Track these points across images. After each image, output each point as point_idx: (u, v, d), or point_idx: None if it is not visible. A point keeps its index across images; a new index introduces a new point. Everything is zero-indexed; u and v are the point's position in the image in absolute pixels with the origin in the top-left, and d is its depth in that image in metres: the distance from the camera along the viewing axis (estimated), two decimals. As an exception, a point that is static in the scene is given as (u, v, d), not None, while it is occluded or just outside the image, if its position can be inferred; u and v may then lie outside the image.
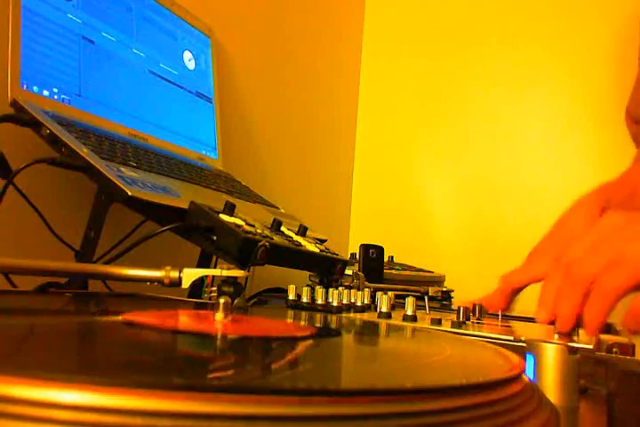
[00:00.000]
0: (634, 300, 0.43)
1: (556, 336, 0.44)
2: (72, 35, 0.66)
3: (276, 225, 0.63)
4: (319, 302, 0.55)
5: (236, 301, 0.44)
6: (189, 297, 0.54)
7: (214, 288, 0.46)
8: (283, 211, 0.83)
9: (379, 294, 0.58)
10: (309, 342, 0.31)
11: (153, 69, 0.78)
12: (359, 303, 0.58)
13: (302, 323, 0.42)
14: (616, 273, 0.43)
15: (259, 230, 0.56)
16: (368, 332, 0.41)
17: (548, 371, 0.28)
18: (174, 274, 0.40)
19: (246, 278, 0.64)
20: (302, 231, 0.68)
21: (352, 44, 1.49)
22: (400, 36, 1.48)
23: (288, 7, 1.18)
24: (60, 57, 0.64)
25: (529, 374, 0.28)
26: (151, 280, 0.40)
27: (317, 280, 0.68)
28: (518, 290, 0.57)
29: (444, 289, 0.85)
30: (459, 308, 0.51)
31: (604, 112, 1.22)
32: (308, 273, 0.69)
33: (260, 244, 0.52)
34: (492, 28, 1.36)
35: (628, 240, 0.45)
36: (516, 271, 0.58)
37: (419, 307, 0.54)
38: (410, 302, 0.51)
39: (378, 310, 0.54)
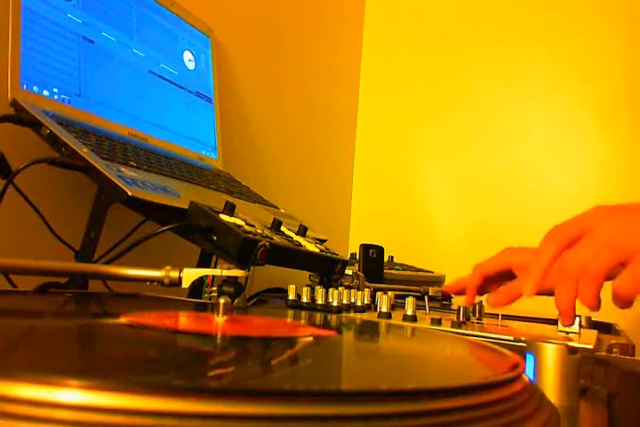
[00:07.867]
0: (615, 281, 0.44)
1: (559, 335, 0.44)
2: (72, 35, 0.66)
3: (276, 225, 0.63)
4: (319, 301, 0.55)
5: (236, 301, 0.44)
6: (189, 297, 0.54)
7: (214, 288, 0.46)
8: (283, 211, 0.82)
9: (379, 294, 0.59)
10: (309, 342, 0.31)
11: (153, 69, 0.78)
12: (359, 303, 0.58)
13: (302, 323, 0.41)
14: (601, 255, 0.44)
15: (259, 230, 0.56)
16: (368, 332, 0.41)
17: (548, 371, 0.28)
18: (174, 274, 0.40)
19: (246, 278, 0.64)
20: (302, 231, 0.68)
21: (352, 44, 1.49)
22: (400, 35, 1.48)
23: (288, 7, 1.18)
24: (60, 57, 0.64)
25: (529, 374, 0.28)
26: (151, 280, 0.40)
27: (317, 280, 0.68)
28: (488, 276, 0.58)
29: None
30: (459, 308, 0.51)
31: (605, 111, 1.22)
32: (308, 273, 0.69)
33: (260, 244, 0.52)
34: (493, 26, 1.36)
35: (614, 226, 0.46)
36: (489, 259, 0.59)
37: (419, 307, 0.54)
38: (410, 302, 0.51)
39: (378, 310, 0.54)
